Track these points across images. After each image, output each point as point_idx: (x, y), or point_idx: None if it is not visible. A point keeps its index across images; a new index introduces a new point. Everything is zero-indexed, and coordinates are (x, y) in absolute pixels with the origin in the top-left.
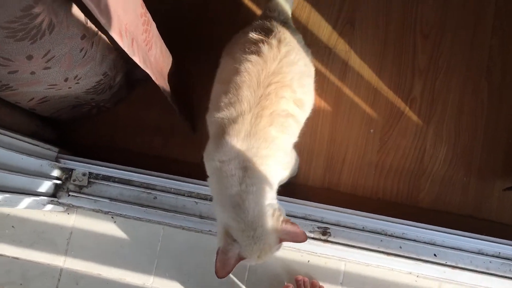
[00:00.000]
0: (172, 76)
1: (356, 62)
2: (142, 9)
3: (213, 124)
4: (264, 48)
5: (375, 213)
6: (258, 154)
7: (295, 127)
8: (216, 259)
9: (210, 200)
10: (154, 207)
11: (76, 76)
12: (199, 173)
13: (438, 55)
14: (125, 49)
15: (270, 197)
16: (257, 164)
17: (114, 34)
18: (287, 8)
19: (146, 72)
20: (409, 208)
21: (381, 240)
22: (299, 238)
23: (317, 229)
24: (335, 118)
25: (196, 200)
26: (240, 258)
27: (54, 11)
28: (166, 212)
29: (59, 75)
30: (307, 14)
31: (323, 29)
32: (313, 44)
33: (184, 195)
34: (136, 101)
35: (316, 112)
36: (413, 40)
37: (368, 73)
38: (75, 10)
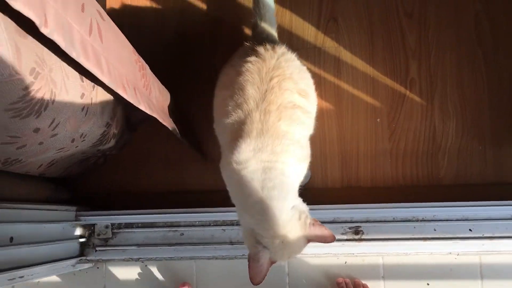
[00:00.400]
0: (172, 109)
1: (347, 56)
2: (135, 55)
3: (223, 131)
4: (261, 49)
5: (402, 202)
6: (273, 152)
7: (304, 118)
8: (248, 266)
9: (238, 224)
10: (183, 244)
11: (82, 134)
12: (221, 200)
13: (426, 31)
14: (131, 100)
15: (294, 197)
16: (274, 162)
17: (119, 90)
18: (273, 32)
19: (145, 113)
20: (433, 188)
21: (414, 227)
22: (328, 239)
23: (349, 230)
24: (339, 116)
25: (223, 227)
26: (272, 262)
27: (53, 81)
28: (195, 246)
29: (66, 138)
30: (288, 19)
31: (308, 31)
32: (301, 47)
33: (210, 225)
34: (140, 141)
35: (320, 114)
36: (398, 22)
37: (361, 64)
38: (71, 72)
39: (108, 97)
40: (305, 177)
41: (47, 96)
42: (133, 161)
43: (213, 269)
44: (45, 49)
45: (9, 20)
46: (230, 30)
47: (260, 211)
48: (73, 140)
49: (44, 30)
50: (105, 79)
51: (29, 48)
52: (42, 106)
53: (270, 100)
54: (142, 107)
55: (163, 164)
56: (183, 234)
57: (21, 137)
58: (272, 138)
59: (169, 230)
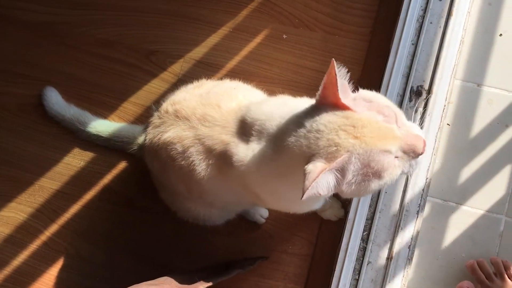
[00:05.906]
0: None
1: (200, 51)
2: None
3: (215, 184)
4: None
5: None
6: (253, 121)
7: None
8: None
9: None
10: None
11: None
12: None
13: None
14: None
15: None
16: (259, 124)
17: None
18: (136, 131)
19: None
20: None
21: (431, 23)
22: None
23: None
24: (268, 79)
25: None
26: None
27: None
28: None
29: None
30: (132, 108)
31: (155, 87)
32: (168, 94)
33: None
34: None
35: (268, 91)
36: None
37: (215, 38)
38: None
39: None
40: None
41: None
42: None
43: None
44: None
45: None
46: None
47: (310, 139)
48: None
49: None
50: None
51: None
52: None
53: (190, 113)
54: None
55: None
56: None
57: None
58: (234, 119)
59: None
